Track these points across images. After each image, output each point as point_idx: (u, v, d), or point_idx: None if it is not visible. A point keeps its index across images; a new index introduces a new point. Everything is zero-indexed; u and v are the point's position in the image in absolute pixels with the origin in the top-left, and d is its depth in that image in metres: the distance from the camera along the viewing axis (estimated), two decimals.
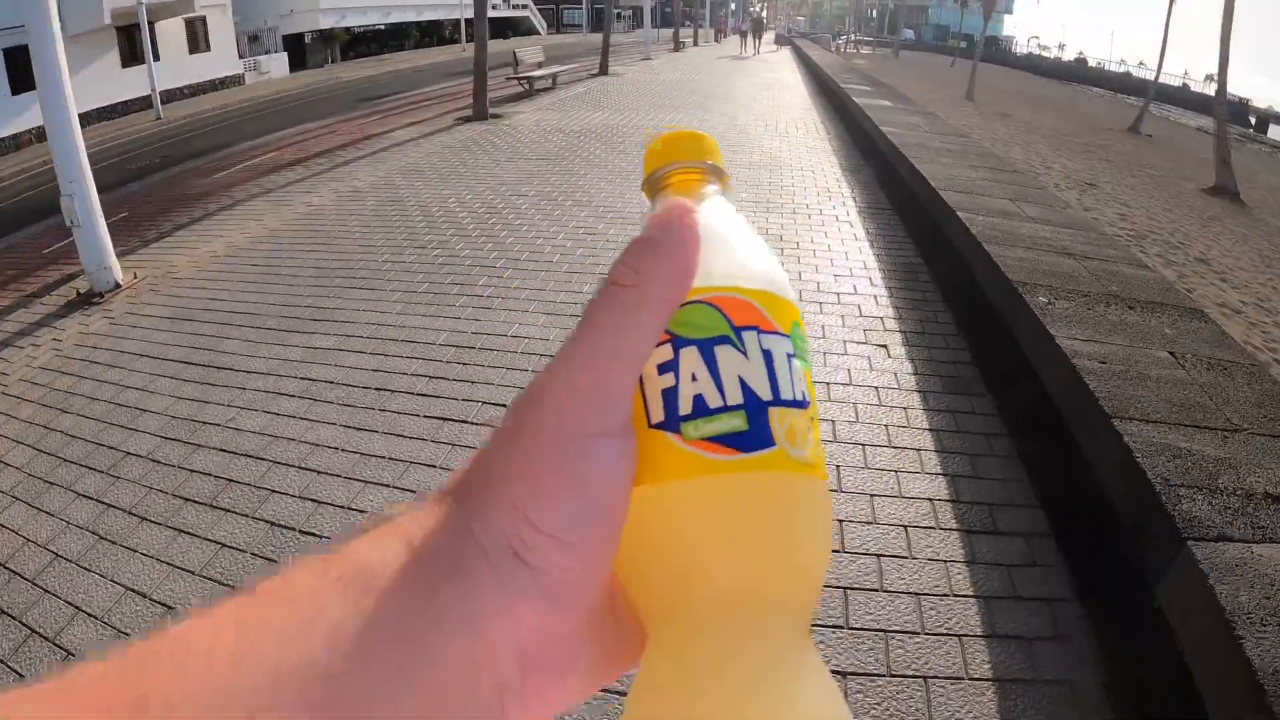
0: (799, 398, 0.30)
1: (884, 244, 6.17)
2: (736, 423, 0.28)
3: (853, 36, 75.28)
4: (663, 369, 0.29)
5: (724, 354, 0.29)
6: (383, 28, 47.69)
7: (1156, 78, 30.69)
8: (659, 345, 0.29)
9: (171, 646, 0.23)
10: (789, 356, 0.30)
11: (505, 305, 5.09)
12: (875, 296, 5.09)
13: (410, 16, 49.47)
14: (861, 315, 4.78)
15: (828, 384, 3.99)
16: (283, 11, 38.59)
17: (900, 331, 4.58)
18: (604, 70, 22.76)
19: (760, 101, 15.98)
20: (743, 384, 0.29)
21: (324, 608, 0.24)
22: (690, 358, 0.29)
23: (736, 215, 0.34)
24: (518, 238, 6.45)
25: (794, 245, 6.09)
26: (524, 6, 67.37)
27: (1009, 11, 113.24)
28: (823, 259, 5.79)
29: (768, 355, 0.29)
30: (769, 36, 56.46)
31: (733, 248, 0.32)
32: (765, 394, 0.29)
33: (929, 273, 5.47)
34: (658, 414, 0.29)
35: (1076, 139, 25.26)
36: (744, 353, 0.29)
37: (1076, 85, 79.55)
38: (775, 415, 0.29)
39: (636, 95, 17.02)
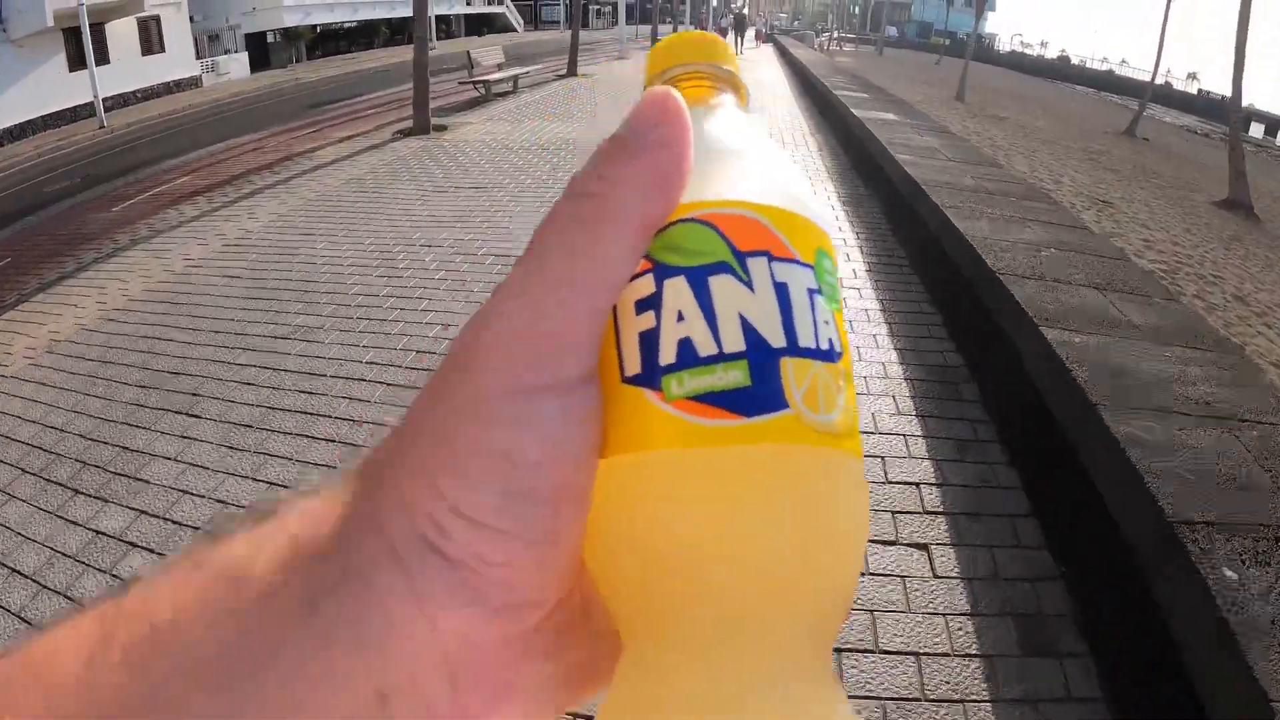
0: (824, 346, 0.22)
1: (906, 328, 4.56)
2: (736, 376, 0.21)
3: (835, 34, 74.08)
4: (641, 306, 0.22)
5: (722, 286, 0.22)
6: (352, 25, 46.20)
7: (1153, 80, 29.65)
8: (638, 276, 0.22)
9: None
10: (811, 292, 0.23)
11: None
12: (905, 436, 3.45)
13: (381, 13, 47.78)
14: (887, 479, 3.14)
15: (839, 650, 2.39)
16: (245, 9, 37.28)
17: (945, 513, 2.98)
18: (572, 71, 21.16)
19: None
20: (746, 325, 0.21)
21: (178, 633, 0.20)
22: (677, 291, 0.22)
23: (751, 126, 0.27)
24: (409, 322, 4.77)
25: None
26: (500, 2, 65.76)
27: (992, 9, 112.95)
28: None
29: (781, 289, 0.22)
30: (750, 33, 54.95)
31: (741, 157, 0.25)
32: (777, 340, 0.21)
33: (975, 385, 3.90)
34: (633, 364, 0.22)
35: (1075, 144, 23.89)
36: (749, 285, 0.22)
37: (1061, 83, 79.77)
38: (790, 368, 0.21)
39: (603, 101, 15.34)
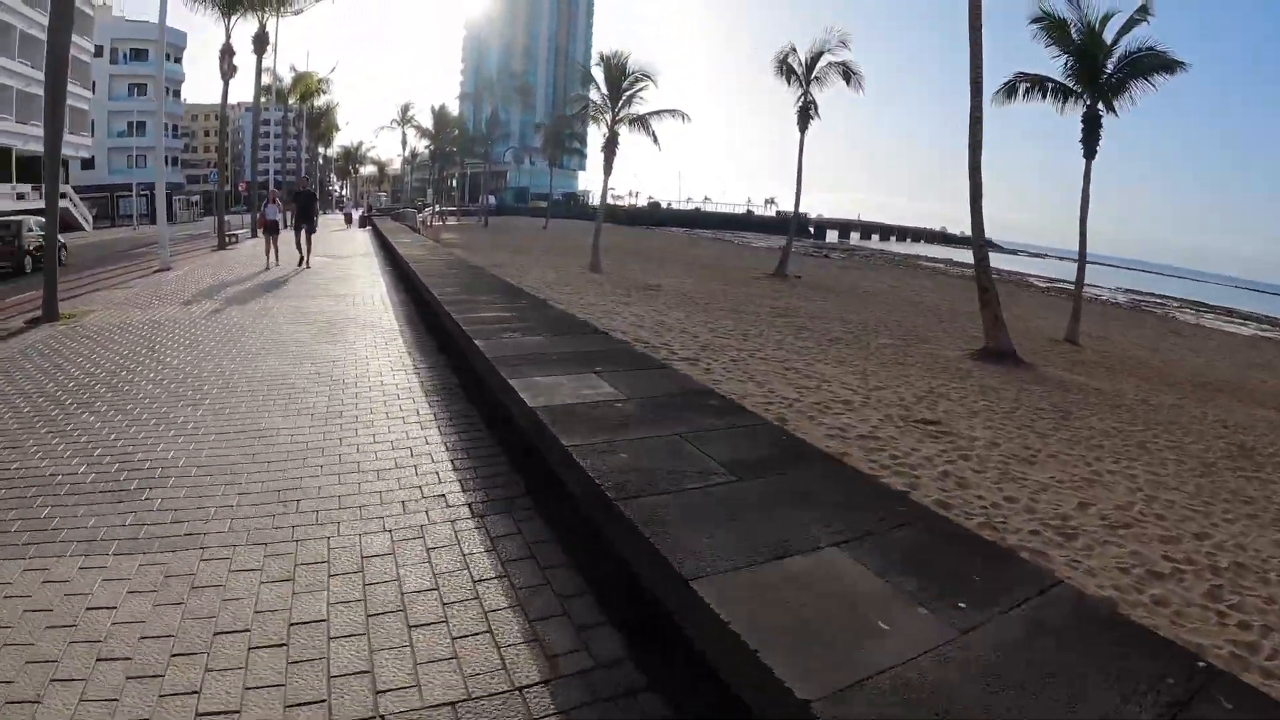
0: None
1: None
2: None
3: (436, 209, 70.80)
4: None
5: None
6: None
7: (795, 219, 28.14)
8: None
9: None
10: None
11: None
12: None
13: None
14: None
15: None
16: None
17: None
18: (50, 313, 11.55)
19: (309, 393, 6.92)
20: None
21: None
22: None
23: None
24: None
25: None
26: (61, 195, 53.03)
27: (583, 169, 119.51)
28: None
29: None
30: (342, 217, 47.46)
31: None
32: None
33: None
34: None
35: (759, 306, 20.46)
36: None
37: (657, 228, 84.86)
38: None
39: (37, 410, 6.89)
